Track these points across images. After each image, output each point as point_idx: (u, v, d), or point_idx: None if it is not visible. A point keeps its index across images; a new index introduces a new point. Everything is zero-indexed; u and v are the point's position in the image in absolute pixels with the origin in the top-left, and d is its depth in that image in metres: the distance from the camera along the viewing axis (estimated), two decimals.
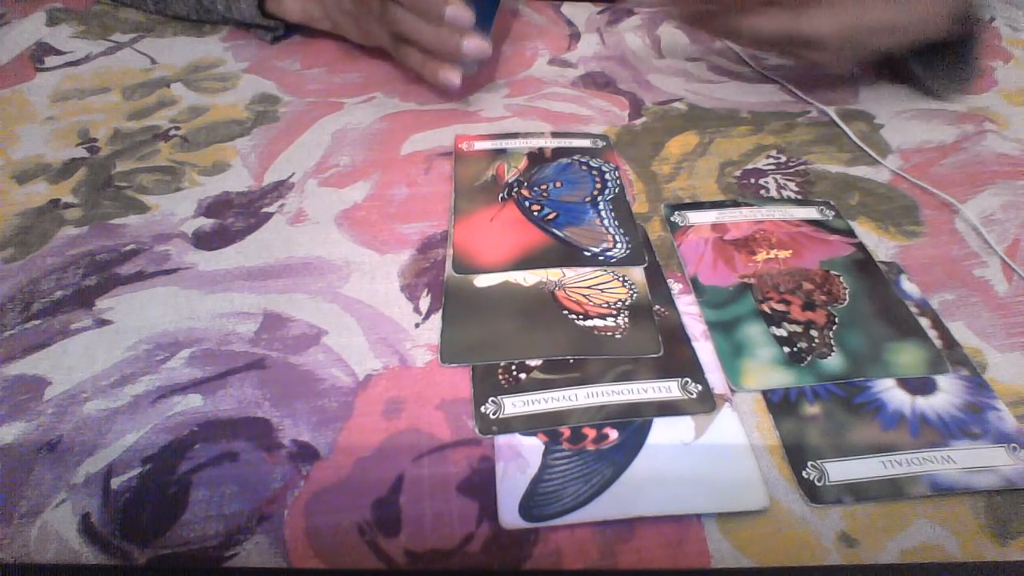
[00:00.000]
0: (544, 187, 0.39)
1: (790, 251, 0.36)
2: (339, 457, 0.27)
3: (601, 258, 0.35)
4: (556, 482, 0.26)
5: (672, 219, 0.38)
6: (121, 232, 0.37)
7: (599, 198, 0.39)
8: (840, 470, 0.26)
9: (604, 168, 0.41)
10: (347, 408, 0.29)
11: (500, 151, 0.42)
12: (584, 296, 0.33)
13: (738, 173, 0.41)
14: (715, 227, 0.37)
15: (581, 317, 0.32)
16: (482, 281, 0.34)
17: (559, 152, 0.42)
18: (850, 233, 0.37)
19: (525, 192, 0.39)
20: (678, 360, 0.30)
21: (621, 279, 0.34)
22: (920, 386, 0.29)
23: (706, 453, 0.27)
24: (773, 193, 0.40)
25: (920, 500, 0.26)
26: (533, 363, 0.30)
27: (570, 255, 0.35)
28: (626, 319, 0.32)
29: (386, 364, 0.31)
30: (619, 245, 0.36)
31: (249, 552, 0.24)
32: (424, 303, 0.33)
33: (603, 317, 0.32)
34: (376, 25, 0.46)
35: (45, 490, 0.26)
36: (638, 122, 0.46)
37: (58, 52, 0.53)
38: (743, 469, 0.27)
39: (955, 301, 0.33)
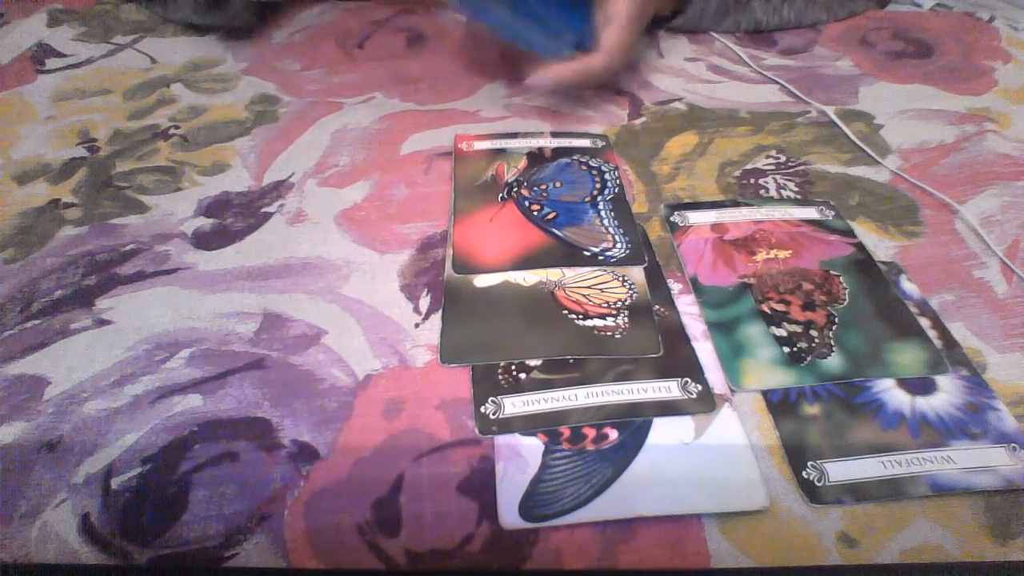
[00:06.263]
0: (544, 187, 0.39)
1: (790, 251, 0.36)
2: (339, 457, 0.27)
3: (601, 258, 0.35)
4: (556, 482, 0.26)
5: (672, 219, 0.38)
6: (121, 232, 0.37)
7: (599, 198, 0.39)
8: (840, 470, 0.26)
9: (604, 168, 0.41)
10: (347, 408, 0.29)
11: (500, 151, 0.42)
12: (584, 296, 0.33)
13: (738, 173, 0.41)
14: (715, 227, 0.37)
15: (581, 317, 0.32)
16: (482, 281, 0.34)
17: (559, 152, 0.42)
18: (850, 233, 0.37)
19: (525, 192, 0.39)
20: (678, 360, 0.30)
21: (621, 279, 0.34)
22: (920, 386, 0.29)
23: (706, 453, 0.27)
24: (773, 193, 0.40)
25: (920, 500, 0.26)
26: (533, 363, 0.30)
27: (570, 255, 0.35)
28: (626, 319, 0.32)
29: (386, 364, 0.31)
30: (619, 245, 0.36)
31: (249, 552, 0.24)
32: (424, 303, 0.33)
33: (603, 317, 0.32)
34: None
35: (45, 490, 0.26)
36: (638, 122, 0.46)
37: (59, 55, 0.53)
38: (743, 469, 0.27)
39: (955, 301, 0.33)
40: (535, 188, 0.39)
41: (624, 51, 0.41)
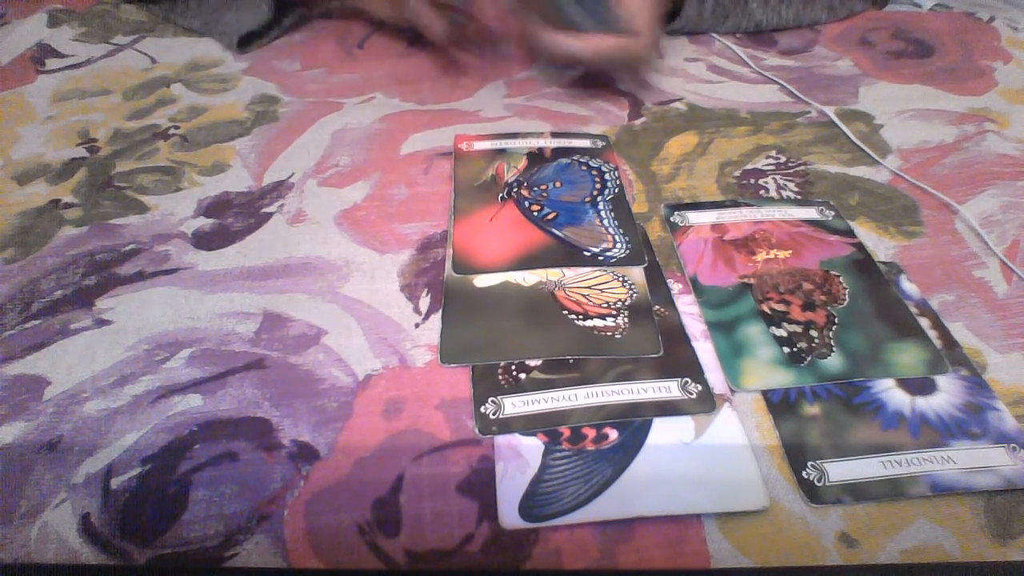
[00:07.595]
0: (544, 187, 0.39)
1: (790, 251, 0.36)
2: (339, 457, 0.27)
3: (601, 258, 0.35)
4: (556, 482, 0.26)
5: (672, 219, 0.38)
6: (121, 232, 0.37)
7: (599, 198, 0.39)
8: (840, 470, 0.26)
9: (604, 168, 0.41)
10: (347, 408, 0.29)
11: (500, 151, 0.42)
12: (584, 296, 0.33)
13: (738, 173, 0.41)
14: (715, 227, 0.37)
15: (581, 317, 0.32)
16: (482, 281, 0.34)
17: (559, 152, 0.42)
18: (850, 233, 0.37)
19: (525, 192, 0.39)
20: (678, 360, 0.30)
21: (621, 279, 0.34)
22: (920, 386, 0.29)
23: (706, 453, 0.27)
24: (773, 193, 0.40)
25: (920, 500, 0.26)
26: (533, 363, 0.30)
27: (570, 255, 0.35)
28: (626, 319, 0.32)
29: (386, 364, 0.31)
30: (619, 245, 0.36)
31: (249, 552, 0.24)
32: (424, 303, 0.33)
33: (603, 317, 0.32)
34: None
35: (45, 490, 0.26)
36: (638, 122, 0.46)
37: (59, 55, 0.53)
38: (743, 469, 0.27)
39: (955, 302, 0.33)
40: (535, 188, 0.39)
41: (656, 31, 0.38)
